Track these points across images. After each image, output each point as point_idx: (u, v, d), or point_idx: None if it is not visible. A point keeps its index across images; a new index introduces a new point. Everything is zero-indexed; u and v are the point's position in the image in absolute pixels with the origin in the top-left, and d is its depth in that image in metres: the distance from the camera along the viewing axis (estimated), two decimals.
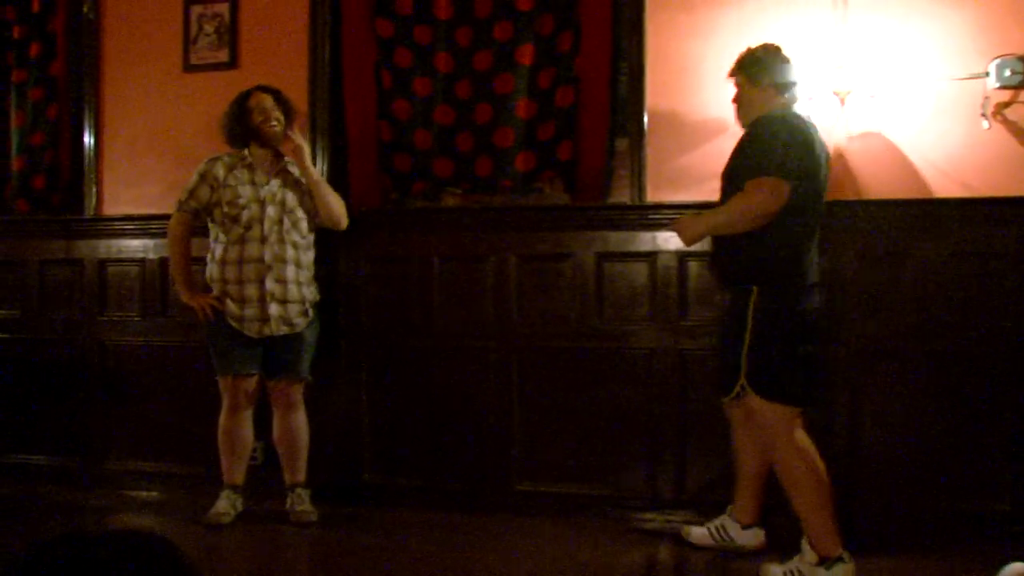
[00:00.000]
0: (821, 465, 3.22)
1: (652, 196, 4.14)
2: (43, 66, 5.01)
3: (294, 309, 4.00)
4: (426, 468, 4.32)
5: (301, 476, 4.10)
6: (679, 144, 4.14)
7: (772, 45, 3.48)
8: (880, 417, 3.85)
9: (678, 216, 3.55)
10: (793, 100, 3.43)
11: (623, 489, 4.07)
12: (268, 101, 4.01)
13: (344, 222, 4.12)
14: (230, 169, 4.01)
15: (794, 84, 3.42)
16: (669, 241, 4.01)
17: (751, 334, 3.21)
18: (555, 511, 4.08)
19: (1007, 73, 3.71)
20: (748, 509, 3.64)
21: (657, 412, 4.05)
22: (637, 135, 4.18)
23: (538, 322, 4.18)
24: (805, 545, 3.26)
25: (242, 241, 3.95)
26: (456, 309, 4.30)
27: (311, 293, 4.07)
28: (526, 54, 4.33)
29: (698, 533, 3.70)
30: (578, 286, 4.14)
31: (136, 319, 4.70)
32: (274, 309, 3.95)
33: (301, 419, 4.09)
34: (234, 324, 3.96)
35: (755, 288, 3.23)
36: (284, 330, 3.99)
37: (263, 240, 3.95)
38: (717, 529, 3.68)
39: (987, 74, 3.74)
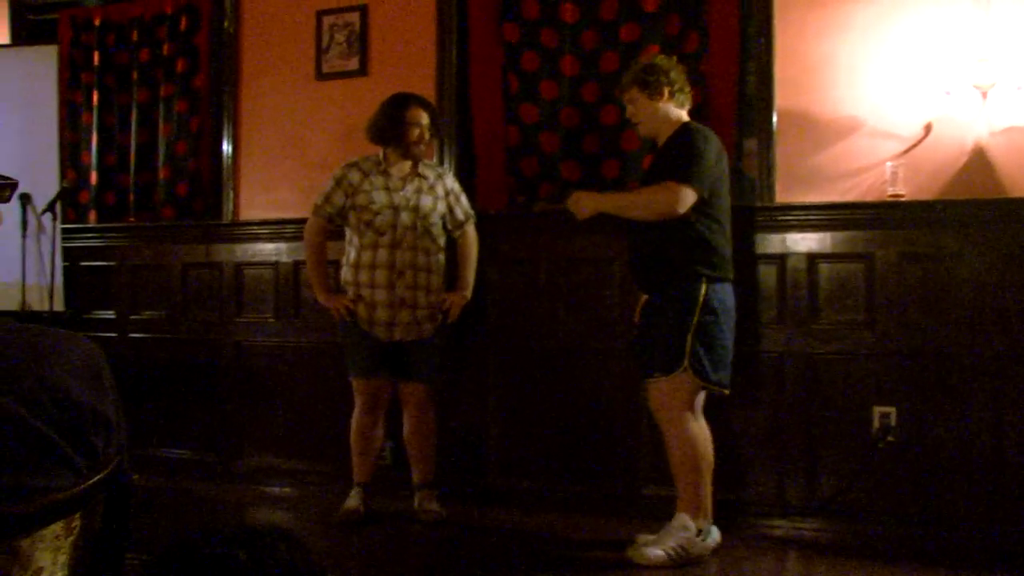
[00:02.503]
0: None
1: (781, 197, 4.07)
2: (188, 79, 5.28)
3: (423, 314, 4.05)
4: (551, 471, 4.33)
5: (430, 476, 4.16)
6: (810, 143, 4.05)
7: (657, 60, 3.70)
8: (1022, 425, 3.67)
9: (578, 193, 3.81)
10: (687, 105, 3.67)
11: (751, 495, 3.99)
12: (425, 120, 4.06)
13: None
14: (366, 175, 4.08)
15: (687, 91, 3.66)
16: (799, 243, 3.93)
17: (697, 323, 3.44)
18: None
19: None
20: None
21: (786, 416, 3.96)
22: (766, 135, 4.12)
23: None
24: (679, 522, 3.46)
25: (375, 246, 4.02)
26: (582, 312, 4.30)
27: (439, 298, 4.11)
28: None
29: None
30: None
31: (270, 320, 4.87)
32: (404, 315, 4.02)
33: (430, 420, 4.15)
34: (364, 327, 4.05)
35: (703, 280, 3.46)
36: (413, 336, 4.06)
37: (395, 246, 4.01)
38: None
39: None
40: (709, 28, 4.25)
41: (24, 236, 4.87)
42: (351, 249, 4.11)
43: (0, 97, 5.14)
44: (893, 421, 3.80)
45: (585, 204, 3.73)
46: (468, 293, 4.18)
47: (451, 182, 4.23)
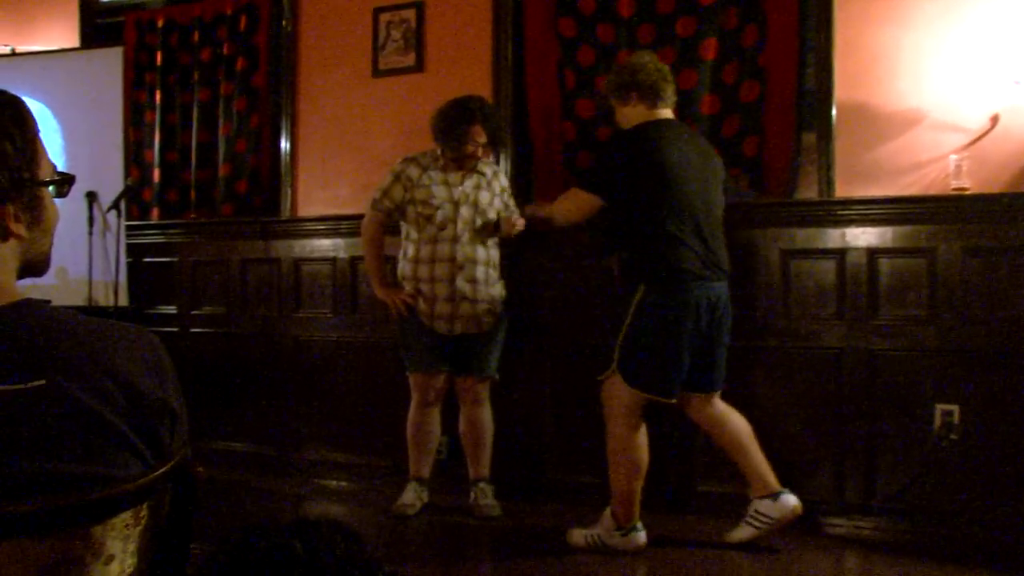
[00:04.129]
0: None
1: (842, 191, 4.01)
2: (247, 78, 5.36)
3: (483, 308, 4.07)
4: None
5: (485, 471, 4.18)
6: (870, 137, 3.99)
7: (631, 60, 3.68)
8: None
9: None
10: (664, 105, 3.59)
11: (809, 493, 3.93)
12: (483, 139, 4.07)
13: None
14: (424, 169, 4.12)
15: (658, 90, 3.56)
16: (859, 238, 3.88)
17: (628, 326, 3.49)
18: (737, 512, 3.99)
19: None
20: (764, 480, 3.58)
21: (846, 413, 3.90)
22: (825, 129, 4.06)
23: None
24: (607, 513, 3.58)
25: (435, 240, 4.05)
26: None
27: (500, 292, 4.14)
28: (710, 49, 4.27)
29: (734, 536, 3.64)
30: (764, 284, 4.04)
31: (328, 315, 4.92)
32: (464, 308, 4.04)
33: (487, 415, 4.17)
34: (425, 321, 4.08)
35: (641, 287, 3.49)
36: (473, 329, 4.08)
37: (456, 240, 4.04)
38: (752, 519, 3.58)
39: None
40: (767, 21, 4.19)
41: (91, 233, 4.99)
42: (409, 244, 4.14)
43: (70, 99, 5.26)
44: (956, 419, 3.73)
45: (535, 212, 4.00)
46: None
47: (504, 180, 4.29)
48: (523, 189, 4.53)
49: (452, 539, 4.01)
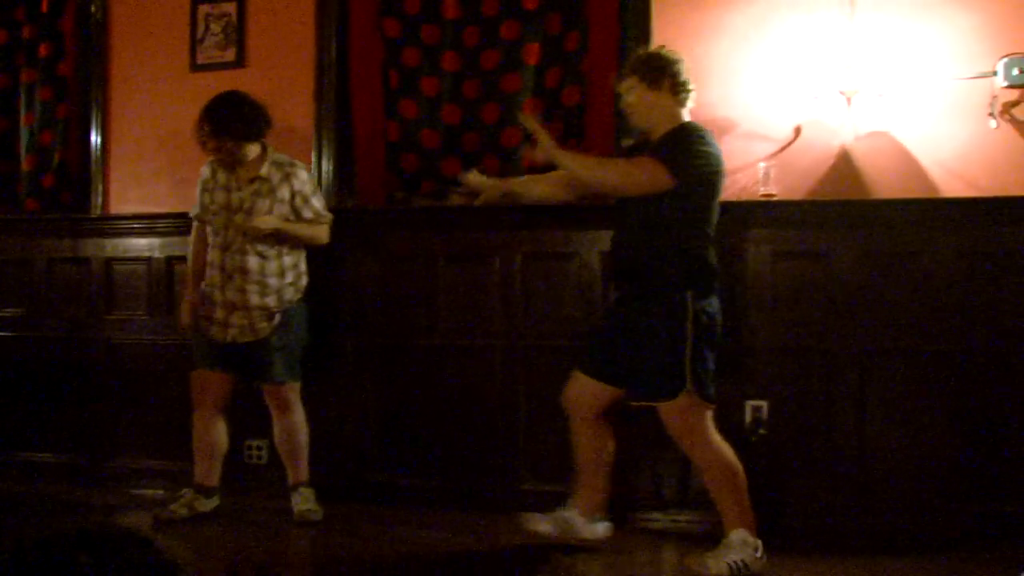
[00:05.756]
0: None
1: None
2: (52, 66, 5.04)
3: (257, 315, 3.92)
4: (431, 467, 4.30)
5: (303, 476, 4.08)
6: None
7: (669, 49, 3.47)
8: (887, 417, 3.83)
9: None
10: (688, 103, 3.43)
11: (630, 489, 4.05)
12: (208, 139, 3.87)
13: (321, 241, 4.03)
14: (214, 172, 3.99)
15: (690, 88, 3.42)
16: None
17: (692, 338, 3.25)
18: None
19: (1015, 72, 3.70)
20: (594, 502, 3.60)
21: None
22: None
23: (541, 320, 4.17)
24: (739, 531, 3.30)
25: (214, 246, 3.96)
26: (462, 308, 4.27)
27: (278, 300, 3.94)
28: (533, 53, 4.33)
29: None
30: (584, 284, 4.12)
31: (143, 317, 4.70)
32: (236, 317, 3.93)
33: (296, 420, 4.05)
34: (203, 324, 4.00)
35: (690, 293, 3.27)
36: (248, 336, 3.94)
37: (225, 248, 3.92)
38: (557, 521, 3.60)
39: (995, 73, 3.73)
40: (589, 28, 4.29)
41: None
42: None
43: None
44: (765, 414, 3.91)
45: (552, 157, 3.43)
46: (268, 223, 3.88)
47: (300, 183, 3.97)
48: (345, 188, 4.47)
49: (270, 545, 3.89)
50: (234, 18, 4.70)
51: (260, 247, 3.90)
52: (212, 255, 3.96)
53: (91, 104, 4.94)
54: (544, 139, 3.38)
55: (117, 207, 4.89)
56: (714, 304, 3.34)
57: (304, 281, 4.05)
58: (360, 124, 4.57)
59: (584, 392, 3.54)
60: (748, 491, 3.33)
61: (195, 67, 4.75)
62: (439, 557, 3.62)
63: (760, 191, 3.98)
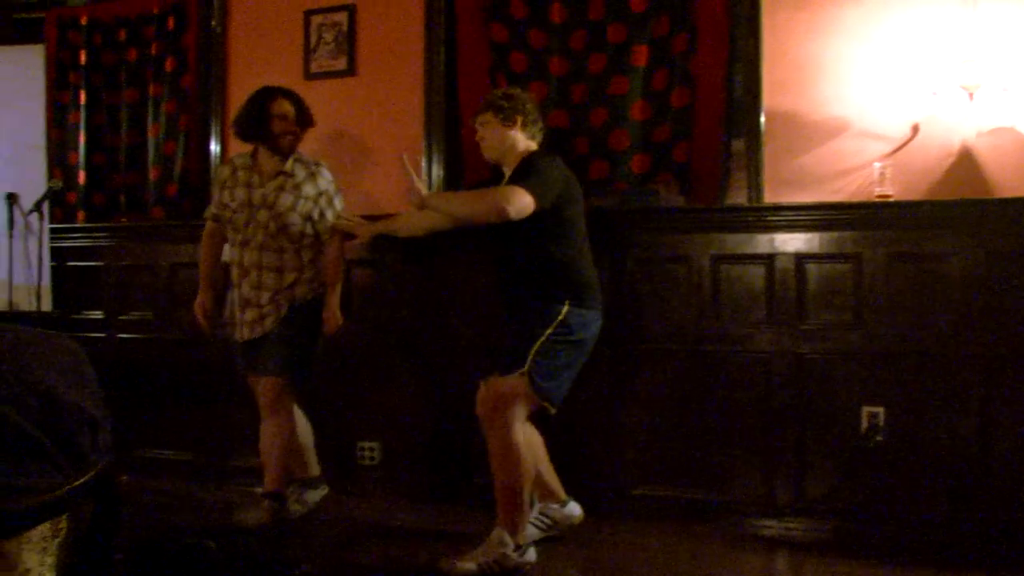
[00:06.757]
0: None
1: (769, 197, 4.08)
2: (176, 80, 5.27)
3: (267, 310, 3.94)
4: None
5: (273, 484, 3.98)
6: (798, 144, 4.08)
7: (512, 91, 3.73)
8: (1014, 425, 3.68)
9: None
10: (538, 137, 3.69)
11: (740, 495, 4.00)
12: (291, 111, 3.95)
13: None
14: (235, 171, 4.03)
15: (540, 125, 3.70)
16: (787, 243, 3.94)
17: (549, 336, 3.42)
18: (669, 516, 4.03)
19: None
20: (550, 489, 3.76)
21: (775, 416, 3.96)
22: (754, 135, 4.13)
23: (654, 325, 4.14)
24: (500, 532, 3.40)
25: (234, 243, 4.00)
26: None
27: (290, 295, 3.95)
28: (641, 56, 4.31)
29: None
30: (694, 289, 4.08)
31: None
32: (250, 313, 3.96)
33: (278, 422, 3.95)
34: (233, 329, 4.05)
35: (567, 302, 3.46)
36: (258, 332, 3.96)
37: (245, 244, 3.95)
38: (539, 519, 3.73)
39: None
40: (698, 29, 4.25)
41: (11, 236, 4.86)
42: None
43: None
44: (882, 421, 3.81)
45: (416, 198, 3.54)
46: (338, 316, 4.02)
47: (326, 183, 4.02)
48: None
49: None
50: (345, 27, 4.81)
51: (283, 243, 3.93)
52: (233, 253, 4.01)
53: (211, 115, 5.16)
54: (417, 186, 3.52)
55: None
56: (590, 317, 3.51)
57: (319, 280, 4.04)
58: (469, 130, 4.60)
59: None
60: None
61: (308, 76, 4.88)
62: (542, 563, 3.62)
63: (875, 192, 3.88)
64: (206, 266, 4.16)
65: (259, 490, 4.05)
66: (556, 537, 3.76)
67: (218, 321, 4.12)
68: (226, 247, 4.14)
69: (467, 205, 3.57)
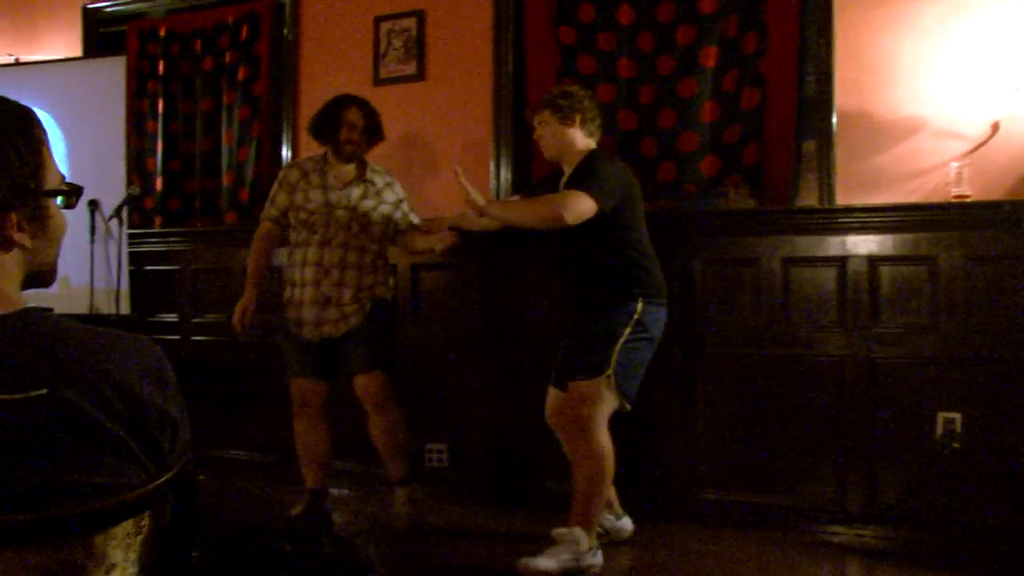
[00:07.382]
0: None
1: (842, 199, 4.02)
2: (249, 86, 5.38)
3: (350, 309, 3.98)
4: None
5: (401, 473, 4.09)
6: (871, 144, 4.00)
7: (571, 88, 3.71)
8: None
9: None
10: (596, 135, 3.67)
11: (811, 501, 3.94)
12: (359, 121, 4.04)
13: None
14: (305, 174, 4.07)
15: (599, 122, 3.68)
16: (860, 245, 3.88)
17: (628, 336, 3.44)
18: (739, 520, 3.99)
19: None
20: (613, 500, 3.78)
21: (846, 421, 3.90)
22: (825, 136, 4.07)
23: (723, 328, 4.11)
24: (577, 531, 3.40)
25: (307, 244, 4.01)
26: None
27: (370, 292, 4.02)
28: (710, 56, 4.28)
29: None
30: (764, 292, 4.04)
31: None
32: (330, 312, 3.97)
33: (391, 413, 4.04)
34: (292, 329, 4.05)
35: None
36: (342, 330, 3.98)
37: (325, 243, 3.97)
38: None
39: None
40: (768, 28, 4.21)
41: (92, 241, 5.00)
42: (289, 247, 4.12)
43: (73, 108, 5.28)
44: (958, 427, 3.72)
45: (476, 208, 3.60)
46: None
47: (401, 191, 4.19)
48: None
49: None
50: (414, 32, 4.86)
51: (364, 243, 4.00)
52: (304, 253, 4.01)
53: (282, 121, 5.25)
54: (476, 197, 3.53)
55: None
56: (660, 314, 3.53)
57: (392, 279, 4.18)
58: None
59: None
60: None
61: (378, 81, 4.94)
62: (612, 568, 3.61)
63: (952, 192, 3.79)
64: (258, 267, 4.16)
65: (382, 483, 4.18)
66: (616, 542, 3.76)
67: (255, 323, 4.13)
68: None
69: (525, 213, 3.58)
